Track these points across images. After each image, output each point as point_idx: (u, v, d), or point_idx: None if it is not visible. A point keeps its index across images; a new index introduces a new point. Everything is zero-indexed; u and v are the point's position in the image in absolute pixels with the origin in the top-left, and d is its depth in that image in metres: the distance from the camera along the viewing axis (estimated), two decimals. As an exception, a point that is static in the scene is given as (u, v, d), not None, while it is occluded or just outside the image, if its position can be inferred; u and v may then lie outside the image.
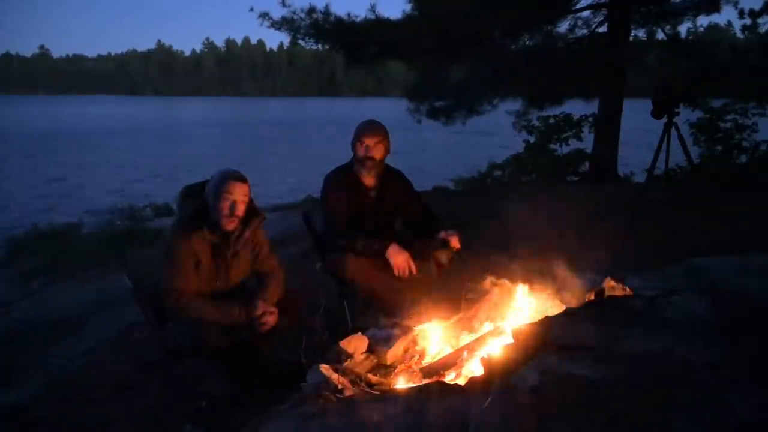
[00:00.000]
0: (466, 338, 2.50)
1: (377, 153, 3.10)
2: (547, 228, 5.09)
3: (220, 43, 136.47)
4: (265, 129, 36.64)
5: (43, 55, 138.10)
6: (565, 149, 9.33)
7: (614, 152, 8.26)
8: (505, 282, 2.70)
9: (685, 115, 7.21)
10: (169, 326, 2.67)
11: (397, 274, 2.92)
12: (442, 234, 3.04)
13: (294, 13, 7.72)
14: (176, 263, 2.58)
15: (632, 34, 8.19)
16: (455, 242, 3.01)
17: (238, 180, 2.61)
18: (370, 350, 2.37)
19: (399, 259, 2.91)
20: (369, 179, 3.17)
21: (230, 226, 2.62)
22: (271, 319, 2.64)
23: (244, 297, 2.72)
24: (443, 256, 2.98)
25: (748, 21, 8.35)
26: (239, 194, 2.60)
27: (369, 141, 3.07)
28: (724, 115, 7.88)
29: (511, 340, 2.06)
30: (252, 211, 2.72)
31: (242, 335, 2.68)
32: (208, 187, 2.64)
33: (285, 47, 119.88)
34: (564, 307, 2.45)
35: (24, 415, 2.93)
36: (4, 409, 3.01)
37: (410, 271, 2.98)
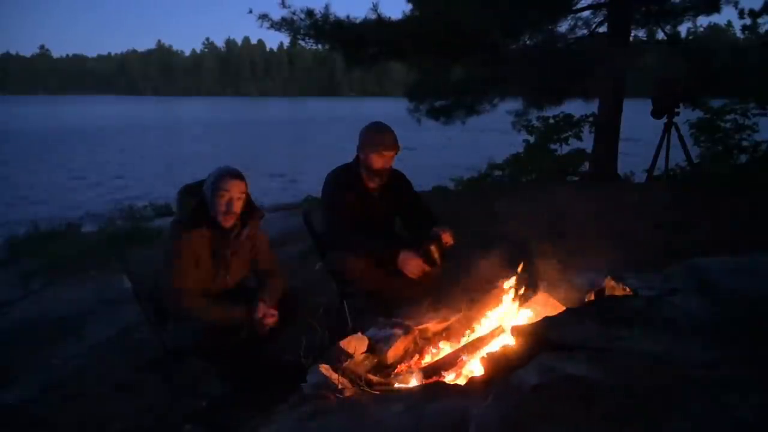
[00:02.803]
0: (466, 338, 2.50)
1: (391, 162, 3.12)
2: (547, 228, 5.09)
3: (220, 43, 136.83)
4: (265, 128, 36.66)
5: (43, 55, 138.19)
6: (565, 149, 9.33)
7: (614, 152, 8.26)
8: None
9: (685, 115, 7.21)
10: (169, 326, 2.67)
11: (414, 278, 2.92)
12: (435, 230, 3.02)
13: (294, 13, 7.72)
14: (176, 262, 2.58)
15: (632, 34, 8.18)
16: (447, 238, 3.00)
17: (234, 177, 2.61)
18: (370, 350, 2.37)
19: (412, 265, 2.92)
20: (373, 183, 3.17)
21: (228, 222, 2.63)
22: (271, 320, 2.65)
23: (244, 296, 2.72)
24: (435, 252, 2.97)
25: (748, 21, 8.34)
26: (236, 191, 2.60)
27: (389, 153, 3.07)
28: (724, 115, 7.87)
29: (511, 340, 2.06)
30: (251, 209, 2.73)
31: (242, 335, 2.68)
32: (206, 183, 2.65)
33: (285, 47, 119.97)
34: (564, 307, 2.45)
35: (24, 415, 2.93)
36: (4, 409, 3.01)
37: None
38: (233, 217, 2.63)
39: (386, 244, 2.99)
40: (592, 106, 8.90)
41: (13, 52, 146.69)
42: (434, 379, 2.17)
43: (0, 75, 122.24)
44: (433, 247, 2.96)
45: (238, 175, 2.63)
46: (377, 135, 3.09)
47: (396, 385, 2.16)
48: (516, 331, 2.04)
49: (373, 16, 7.68)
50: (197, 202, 2.64)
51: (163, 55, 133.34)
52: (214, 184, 2.59)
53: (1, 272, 6.06)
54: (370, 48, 8.08)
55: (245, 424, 2.23)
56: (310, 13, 7.71)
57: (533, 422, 1.50)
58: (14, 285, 5.38)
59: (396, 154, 3.11)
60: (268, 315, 2.64)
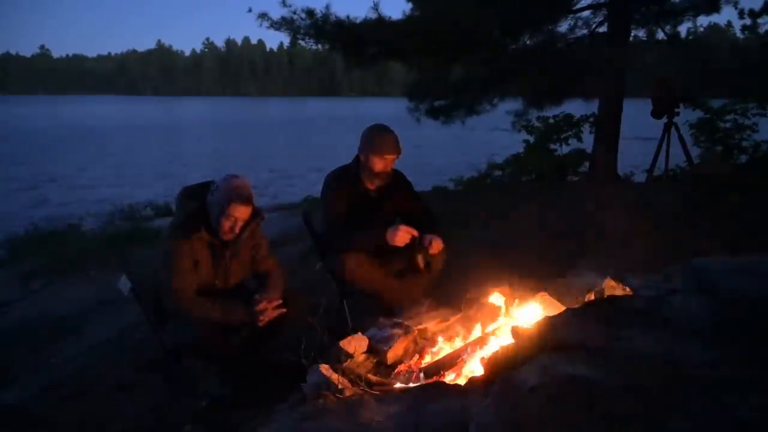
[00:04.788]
0: (466, 338, 2.50)
1: (392, 165, 3.12)
2: (547, 228, 5.10)
3: (220, 43, 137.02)
4: (265, 129, 36.66)
5: (43, 55, 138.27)
6: (565, 149, 9.33)
7: (614, 152, 8.26)
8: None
9: (685, 115, 7.21)
10: (169, 326, 2.67)
11: (403, 245, 2.93)
12: (422, 237, 3.02)
13: (294, 13, 7.71)
14: (175, 263, 2.58)
15: (632, 34, 8.18)
16: (434, 247, 3.00)
17: (243, 203, 2.59)
18: (370, 350, 2.37)
19: (399, 235, 2.93)
20: (373, 184, 3.17)
21: (227, 238, 2.65)
22: (271, 309, 2.63)
23: (244, 297, 2.72)
24: (420, 261, 2.98)
25: (748, 21, 8.34)
26: (242, 215, 2.61)
27: (390, 157, 3.07)
28: (724, 115, 7.88)
29: (511, 340, 2.06)
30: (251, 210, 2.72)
31: (242, 335, 2.68)
32: (213, 196, 2.61)
33: (285, 47, 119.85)
34: (564, 307, 2.45)
35: (24, 415, 2.93)
36: (4, 409, 3.01)
37: (408, 272, 3.00)
38: (234, 235, 2.65)
39: (376, 232, 2.99)
40: (592, 106, 8.90)
41: (13, 52, 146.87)
42: (434, 379, 2.17)
43: (0, 75, 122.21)
44: (419, 256, 2.97)
45: (246, 201, 2.60)
46: (379, 138, 3.08)
47: (396, 385, 2.16)
48: (516, 331, 2.05)
49: (374, 16, 7.68)
50: (197, 205, 2.64)
51: (163, 55, 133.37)
52: (222, 205, 2.57)
53: (1, 272, 6.06)
54: (370, 48, 8.07)
55: (245, 424, 2.23)
56: (310, 12, 7.70)
57: (533, 422, 1.50)
58: (14, 285, 5.38)
59: (397, 157, 3.11)
60: (268, 308, 2.63)
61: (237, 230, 2.64)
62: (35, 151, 22.29)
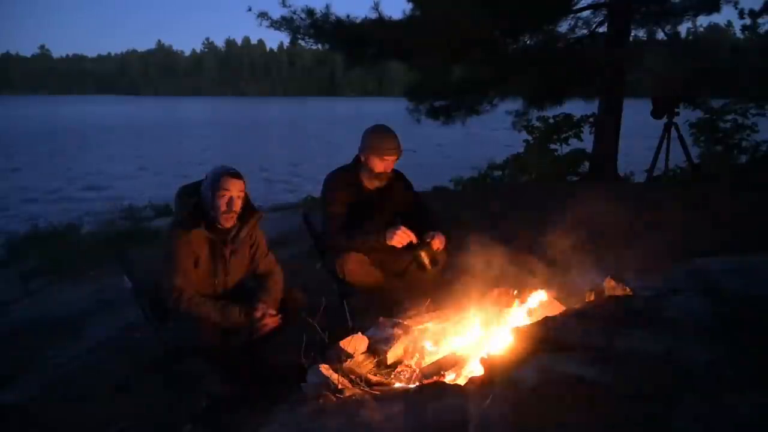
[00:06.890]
0: (465, 338, 2.50)
1: (392, 166, 3.12)
2: (547, 228, 5.09)
3: (220, 43, 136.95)
4: (266, 129, 36.65)
5: (43, 55, 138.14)
6: (565, 149, 9.33)
7: (614, 152, 8.26)
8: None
9: (685, 115, 7.22)
10: (169, 326, 2.67)
11: (400, 246, 2.95)
12: (426, 235, 3.02)
13: (294, 12, 7.72)
14: (176, 262, 2.58)
15: (632, 34, 8.19)
16: (437, 243, 3.00)
17: (233, 176, 2.62)
18: (370, 350, 2.37)
19: (398, 236, 2.94)
20: (372, 184, 3.17)
21: (229, 222, 2.65)
22: (271, 322, 2.64)
23: (243, 297, 2.72)
24: (425, 258, 2.98)
25: (748, 21, 8.37)
26: (235, 190, 2.62)
27: (391, 158, 3.07)
28: (724, 115, 7.88)
29: (511, 340, 2.06)
30: (249, 209, 2.73)
31: (242, 335, 2.68)
32: (204, 184, 2.65)
33: (285, 47, 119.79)
34: (564, 307, 2.45)
35: (24, 415, 2.93)
36: (4, 409, 3.01)
37: (409, 272, 3.00)
38: (234, 216, 2.65)
39: (377, 233, 3.00)
40: (592, 106, 8.91)
41: (13, 52, 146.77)
42: (434, 379, 2.17)
43: (0, 75, 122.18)
44: (423, 253, 2.97)
45: (236, 174, 2.64)
46: (380, 139, 3.07)
47: (396, 385, 2.16)
48: (516, 331, 2.04)
49: (374, 16, 7.69)
50: (195, 202, 2.65)
51: (163, 55, 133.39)
52: (213, 184, 2.60)
53: (1, 272, 6.06)
54: (370, 48, 8.08)
55: (245, 424, 2.23)
56: (310, 12, 7.72)
57: (533, 422, 1.50)
58: (14, 285, 5.38)
59: (398, 158, 3.10)
60: (267, 316, 2.64)
61: (236, 208, 2.63)
62: (36, 152, 22.28)
